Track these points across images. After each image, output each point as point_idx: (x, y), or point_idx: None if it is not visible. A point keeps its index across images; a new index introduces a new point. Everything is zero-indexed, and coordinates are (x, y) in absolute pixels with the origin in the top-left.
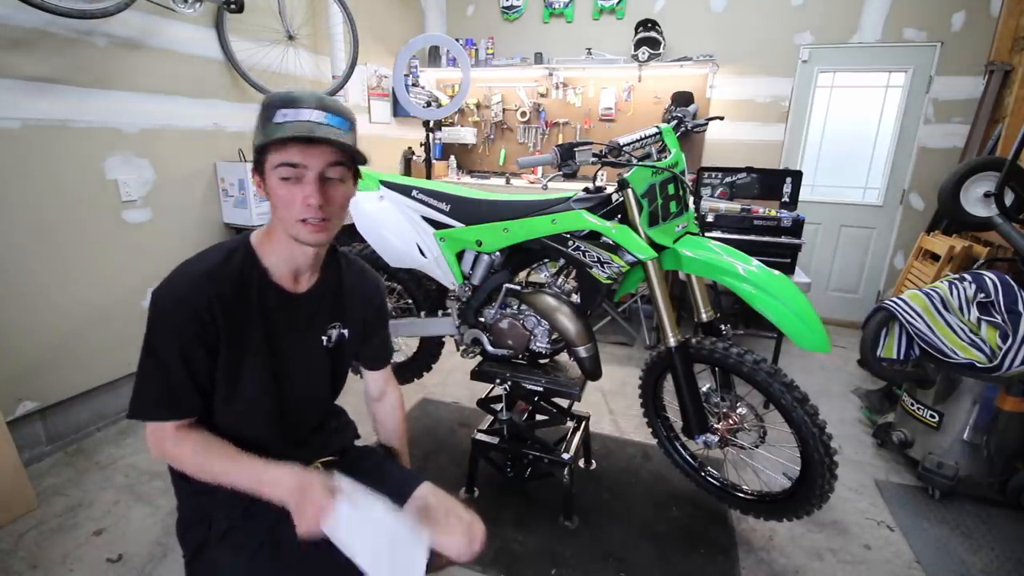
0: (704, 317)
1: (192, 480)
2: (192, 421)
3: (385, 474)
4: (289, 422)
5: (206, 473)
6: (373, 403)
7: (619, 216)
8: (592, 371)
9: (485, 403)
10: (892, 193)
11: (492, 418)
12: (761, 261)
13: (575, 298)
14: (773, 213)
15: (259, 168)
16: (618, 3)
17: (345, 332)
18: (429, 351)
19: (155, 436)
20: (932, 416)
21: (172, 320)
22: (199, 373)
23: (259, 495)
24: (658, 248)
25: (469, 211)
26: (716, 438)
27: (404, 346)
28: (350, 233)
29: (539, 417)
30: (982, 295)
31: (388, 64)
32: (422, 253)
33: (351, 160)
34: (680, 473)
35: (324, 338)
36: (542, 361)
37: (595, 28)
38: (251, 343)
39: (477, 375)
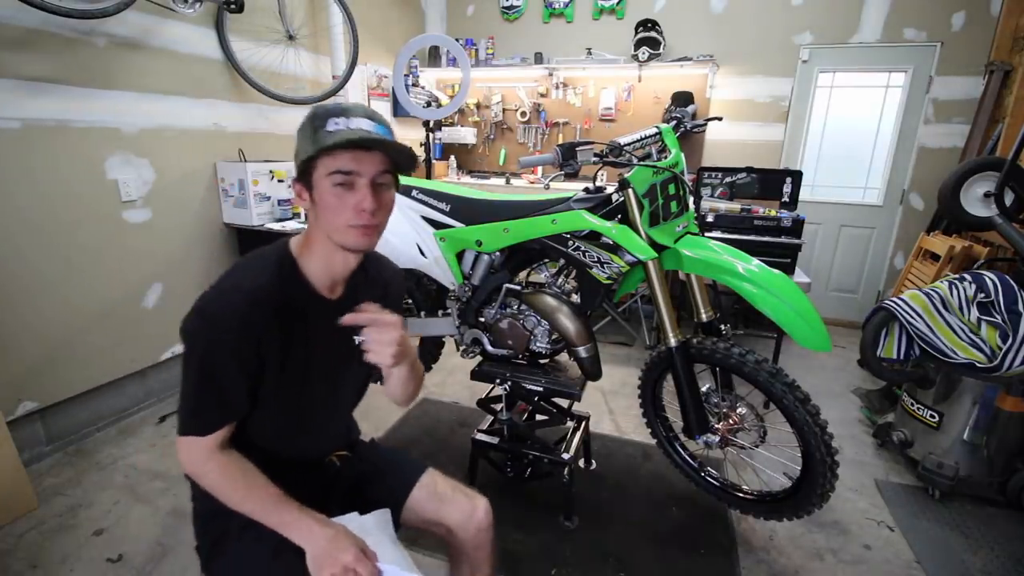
0: (704, 317)
1: None
2: (229, 444)
3: (392, 464)
4: (324, 428)
5: (244, 507)
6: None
7: (619, 216)
8: (592, 371)
9: (485, 403)
10: (892, 193)
11: (492, 418)
12: (761, 261)
13: (575, 298)
14: (773, 213)
15: (304, 178)
16: (618, 3)
17: None
18: (429, 351)
19: (189, 454)
20: (932, 416)
21: (229, 331)
22: (250, 378)
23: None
24: (658, 248)
25: (469, 211)
26: (716, 438)
27: None
28: None
29: (539, 417)
30: (982, 295)
31: (388, 64)
32: (422, 253)
33: (393, 168)
34: (680, 473)
35: (357, 338)
36: (542, 361)
37: (595, 28)
38: (297, 356)
39: (477, 375)
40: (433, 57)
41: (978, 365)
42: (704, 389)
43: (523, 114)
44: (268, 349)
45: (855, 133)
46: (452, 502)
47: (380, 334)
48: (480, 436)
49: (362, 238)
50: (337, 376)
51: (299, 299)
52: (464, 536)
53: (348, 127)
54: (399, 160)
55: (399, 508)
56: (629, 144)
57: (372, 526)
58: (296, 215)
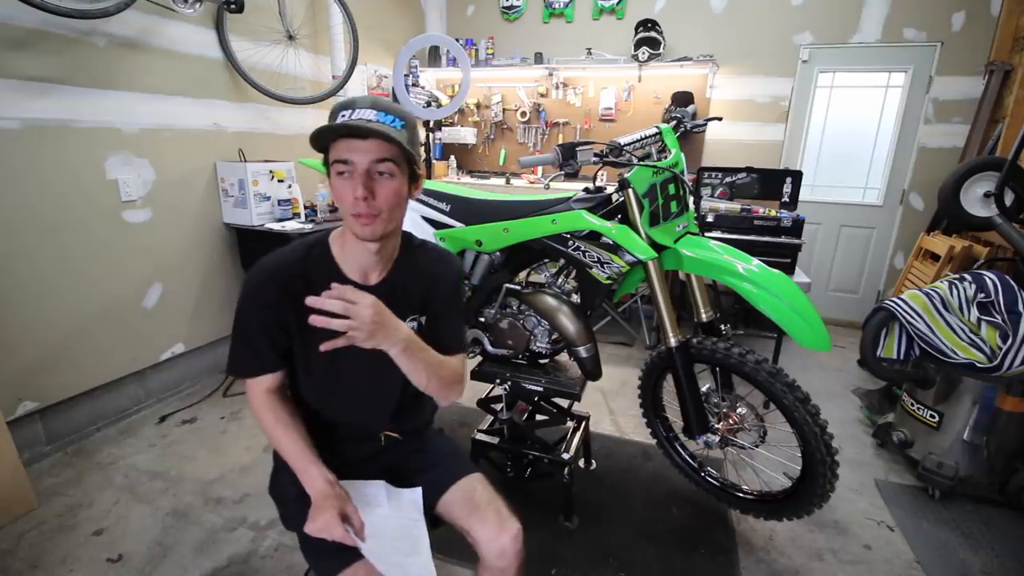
0: (704, 317)
1: None
2: (279, 388)
3: (442, 458)
4: (365, 403)
5: (271, 440)
6: None
7: (619, 216)
8: (592, 371)
9: (485, 403)
10: (892, 193)
11: (492, 418)
12: (761, 261)
13: (575, 298)
14: (773, 213)
15: (328, 171)
16: (618, 3)
17: (423, 320)
18: None
19: (247, 389)
20: (932, 416)
21: (251, 299)
22: (275, 341)
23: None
24: (658, 248)
25: (469, 211)
26: (716, 438)
27: None
28: None
29: (539, 417)
30: (982, 295)
31: (388, 64)
32: None
33: (403, 158)
34: (680, 473)
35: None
36: (542, 361)
37: (595, 28)
38: (316, 330)
39: (477, 375)
40: (433, 57)
41: (978, 365)
42: (704, 389)
43: (523, 114)
44: (286, 318)
45: (855, 133)
46: (482, 516)
47: (349, 311)
48: (480, 436)
49: (362, 226)
50: (369, 356)
51: (322, 278)
52: (487, 556)
53: (350, 118)
54: (402, 147)
55: (434, 502)
56: (629, 144)
57: (403, 500)
58: (296, 215)
